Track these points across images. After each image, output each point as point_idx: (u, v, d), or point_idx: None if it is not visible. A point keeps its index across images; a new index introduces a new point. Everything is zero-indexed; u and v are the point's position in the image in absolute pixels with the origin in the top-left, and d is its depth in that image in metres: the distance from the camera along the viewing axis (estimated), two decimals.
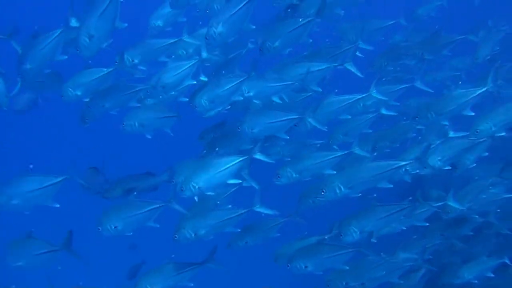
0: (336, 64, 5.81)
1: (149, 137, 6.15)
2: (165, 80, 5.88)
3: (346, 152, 5.66)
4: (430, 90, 6.58)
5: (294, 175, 5.68)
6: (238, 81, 5.67)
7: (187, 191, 5.26)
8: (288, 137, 5.93)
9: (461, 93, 5.99)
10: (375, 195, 5.49)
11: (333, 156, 5.67)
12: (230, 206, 5.70)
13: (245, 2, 5.42)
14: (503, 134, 5.86)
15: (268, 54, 5.83)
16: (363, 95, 6.00)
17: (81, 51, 5.24)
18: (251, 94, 5.73)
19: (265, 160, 5.44)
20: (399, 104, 6.64)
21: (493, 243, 7.09)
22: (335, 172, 5.61)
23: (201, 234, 5.47)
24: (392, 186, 5.44)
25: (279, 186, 5.78)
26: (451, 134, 5.99)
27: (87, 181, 5.79)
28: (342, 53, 6.02)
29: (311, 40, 5.97)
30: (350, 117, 6.10)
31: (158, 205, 5.38)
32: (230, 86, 5.67)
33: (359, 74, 5.83)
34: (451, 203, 6.10)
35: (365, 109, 6.30)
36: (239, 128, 5.74)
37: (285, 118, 5.72)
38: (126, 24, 5.36)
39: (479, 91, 5.88)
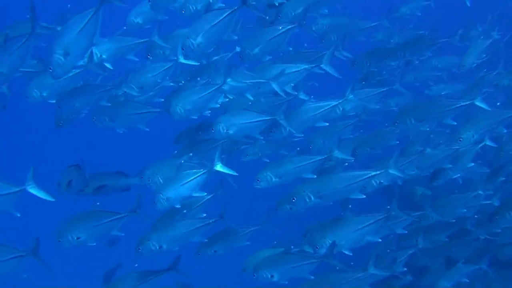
0: (313, 66, 5.73)
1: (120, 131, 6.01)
2: (142, 81, 5.77)
3: (326, 156, 5.58)
4: (409, 93, 6.62)
5: (274, 179, 5.58)
6: (213, 88, 5.60)
7: (158, 204, 5.25)
8: (262, 138, 5.92)
9: (444, 102, 5.96)
10: (350, 206, 5.36)
11: (313, 160, 5.60)
12: (204, 215, 5.70)
13: (226, 14, 5.28)
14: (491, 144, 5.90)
15: (248, 60, 5.75)
16: (339, 101, 5.87)
17: (54, 70, 4.77)
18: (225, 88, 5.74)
19: (227, 172, 5.32)
20: (379, 107, 6.60)
21: (472, 249, 7.08)
22: (315, 176, 5.54)
23: (166, 246, 5.45)
24: (364, 196, 5.32)
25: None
26: (428, 151, 6.06)
27: (68, 179, 5.52)
28: (321, 57, 5.92)
29: (290, 48, 5.91)
30: (327, 124, 5.97)
31: (122, 215, 5.26)
32: (206, 93, 5.62)
33: (336, 74, 5.75)
34: (431, 213, 6.19)
35: (345, 113, 6.21)
36: (212, 129, 5.65)
37: (259, 119, 5.70)
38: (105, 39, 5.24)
39: (464, 104, 5.83)
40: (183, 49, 5.35)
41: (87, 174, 5.58)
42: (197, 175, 5.31)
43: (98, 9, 4.68)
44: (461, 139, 5.84)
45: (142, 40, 5.83)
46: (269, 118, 5.69)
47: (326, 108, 5.86)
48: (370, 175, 5.31)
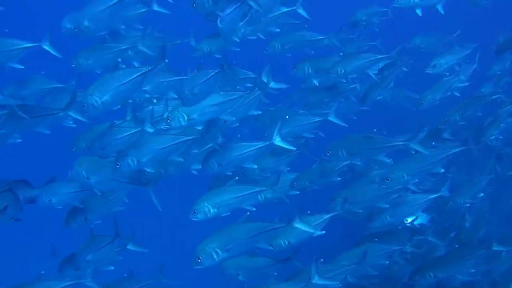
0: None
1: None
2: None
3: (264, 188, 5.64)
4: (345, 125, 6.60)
5: (212, 211, 5.48)
6: (138, 74, 5.22)
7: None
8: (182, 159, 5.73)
9: (378, 139, 5.94)
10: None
11: (252, 191, 5.63)
12: None
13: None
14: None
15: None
16: (266, 144, 5.74)
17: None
18: (147, 89, 5.79)
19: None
20: (313, 136, 6.69)
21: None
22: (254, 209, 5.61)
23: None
24: (272, 248, 5.41)
25: None
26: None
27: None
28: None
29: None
30: (255, 166, 5.98)
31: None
32: (128, 80, 5.19)
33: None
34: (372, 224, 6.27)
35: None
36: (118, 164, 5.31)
37: (180, 140, 5.46)
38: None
39: (397, 143, 5.84)
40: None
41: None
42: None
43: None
44: (388, 179, 5.71)
45: (125, 47, 5.95)
46: (191, 138, 5.47)
47: (252, 149, 5.77)
48: (274, 227, 5.26)
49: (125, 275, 6.01)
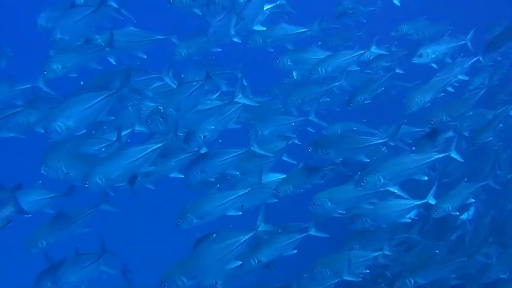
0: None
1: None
2: None
3: (249, 189, 5.59)
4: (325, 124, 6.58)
5: (195, 221, 5.50)
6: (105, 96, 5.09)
7: (54, 134, 4.90)
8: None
9: (358, 139, 5.90)
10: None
11: (236, 195, 5.59)
12: None
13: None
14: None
15: None
16: (245, 150, 5.72)
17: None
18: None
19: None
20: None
21: None
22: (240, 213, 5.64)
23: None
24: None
25: None
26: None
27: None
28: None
29: None
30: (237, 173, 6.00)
31: None
32: (92, 103, 5.05)
33: (253, 103, 5.84)
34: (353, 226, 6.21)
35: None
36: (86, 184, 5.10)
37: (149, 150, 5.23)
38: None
39: (377, 142, 5.74)
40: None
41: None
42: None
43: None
44: (364, 181, 5.49)
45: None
46: (159, 146, 5.26)
47: (234, 155, 5.74)
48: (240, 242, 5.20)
49: None
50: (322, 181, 6.33)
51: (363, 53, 6.90)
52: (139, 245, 11.83)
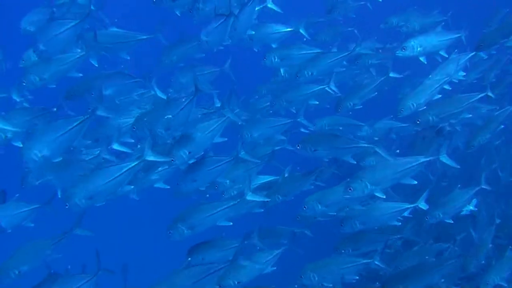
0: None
1: None
2: None
3: (239, 200, 5.52)
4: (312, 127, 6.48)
5: (186, 232, 5.45)
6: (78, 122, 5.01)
7: (31, 163, 4.93)
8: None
9: (344, 139, 5.81)
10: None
11: (226, 206, 5.53)
12: None
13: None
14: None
15: None
16: (232, 158, 5.70)
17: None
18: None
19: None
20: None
21: None
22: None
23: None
24: None
25: None
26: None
27: None
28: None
29: None
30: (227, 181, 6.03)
31: None
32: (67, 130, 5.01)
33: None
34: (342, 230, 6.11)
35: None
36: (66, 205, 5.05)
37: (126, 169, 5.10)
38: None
39: (363, 145, 5.73)
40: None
41: None
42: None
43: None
44: (351, 188, 5.39)
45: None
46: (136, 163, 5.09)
47: (221, 164, 5.68)
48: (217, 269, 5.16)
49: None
50: (312, 187, 6.30)
51: (349, 54, 6.79)
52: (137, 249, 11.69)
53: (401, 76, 7.02)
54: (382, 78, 6.90)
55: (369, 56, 7.67)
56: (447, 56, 6.71)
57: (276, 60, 6.88)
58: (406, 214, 5.97)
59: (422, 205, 5.91)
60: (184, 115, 5.28)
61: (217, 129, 5.53)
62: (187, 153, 5.41)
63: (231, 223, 5.60)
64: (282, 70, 7.21)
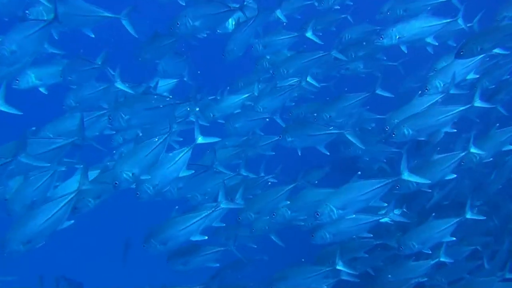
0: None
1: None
2: None
3: (213, 210, 5.48)
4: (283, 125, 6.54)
5: (158, 247, 5.50)
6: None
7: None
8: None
9: (315, 126, 6.15)
10: None
11: (199, 217, 5.50)
12: None
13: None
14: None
15: None
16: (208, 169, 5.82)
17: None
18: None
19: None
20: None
21: None
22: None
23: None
24: None
25: None
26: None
27: None
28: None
29: None
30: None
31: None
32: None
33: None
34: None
35: None
36: None
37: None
38: None
39: (333, 132, 5.92)
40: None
41: None
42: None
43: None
44: (318, 214, 5.26)
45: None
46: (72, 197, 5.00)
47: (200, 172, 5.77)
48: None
49: None
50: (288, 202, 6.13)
51: (325, 55, 6.67)
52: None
53: (389, 95, 6.59)
54: (366, 95, 6.57)
55: (356, 47, 7.39)
56: (436, 44, 6.37)
57: (260, 47, 6.90)
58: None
59: (394, 216, 5.57)
60: (154, 156, 5.20)
61: (183, 160, 5.45)
62: (151, 188, 5.35)
63: (206, 237, 5.55)
64: (265, 62, 7.22)
